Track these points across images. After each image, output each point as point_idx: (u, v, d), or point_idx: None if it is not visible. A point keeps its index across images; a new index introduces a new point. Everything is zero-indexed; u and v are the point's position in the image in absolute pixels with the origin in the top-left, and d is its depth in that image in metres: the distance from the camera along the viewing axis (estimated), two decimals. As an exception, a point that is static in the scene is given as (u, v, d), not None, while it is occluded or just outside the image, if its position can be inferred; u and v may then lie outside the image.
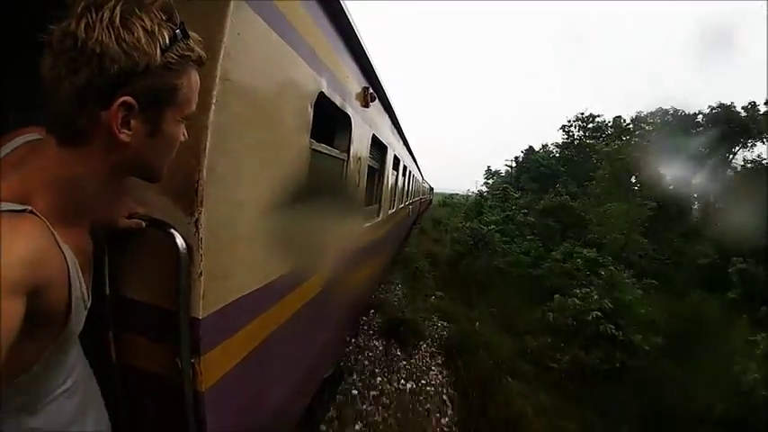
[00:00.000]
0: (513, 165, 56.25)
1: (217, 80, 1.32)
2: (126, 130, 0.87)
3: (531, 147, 55.25)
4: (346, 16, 2.52)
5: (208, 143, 1.32)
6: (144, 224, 1.30)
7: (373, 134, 4.26)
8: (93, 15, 0.78)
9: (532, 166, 50.35)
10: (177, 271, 1.31)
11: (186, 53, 0.90)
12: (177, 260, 1.30)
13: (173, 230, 1.30)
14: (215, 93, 1.32)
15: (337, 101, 2.69)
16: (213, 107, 1.32)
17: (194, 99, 0.99)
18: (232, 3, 1.38)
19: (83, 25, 0.78)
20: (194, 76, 0.96)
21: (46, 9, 1.63)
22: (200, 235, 1.35)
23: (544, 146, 53.27)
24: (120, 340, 1.46)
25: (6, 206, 0.80)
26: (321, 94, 2.29)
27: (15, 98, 1.91)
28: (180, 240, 1.30)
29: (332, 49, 2.52)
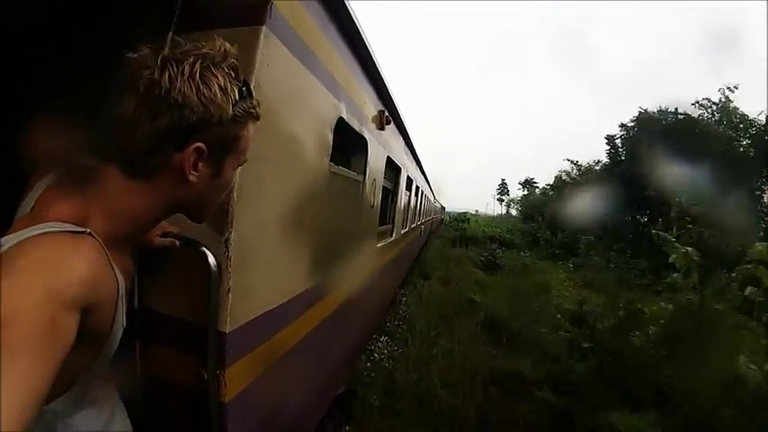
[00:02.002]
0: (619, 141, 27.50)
1: None
2: (194, 172, 0.95)
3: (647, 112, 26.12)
4: (363, 41, 2.63)
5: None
6: (178, 243, 1.37)
7: (388, 156, 4.36)
8: (175, 68, 0.87)
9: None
10: (208, 287, 1.38)
11: (251, 110, 1.00)
12: (208, 277, 1.38)
13: (204, 249, 1.38)
14: None
15: (355, 125, 2.79)
16: None
17: (249, 149, 1.08)
18: (262, 35, 1.47)
19: (166, 76, 0.86)
20: (252, 129, 1.05)
21: (49, 17, 1.74)
22: (230, 253, 1.43)
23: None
24: (147, 352, 1.53)
25: (68, 227, 0.87)
26: (340, 119, 2.38)
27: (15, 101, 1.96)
28: (212, 259, 1.37)
29: (350, 74, 2.63)
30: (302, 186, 2.03)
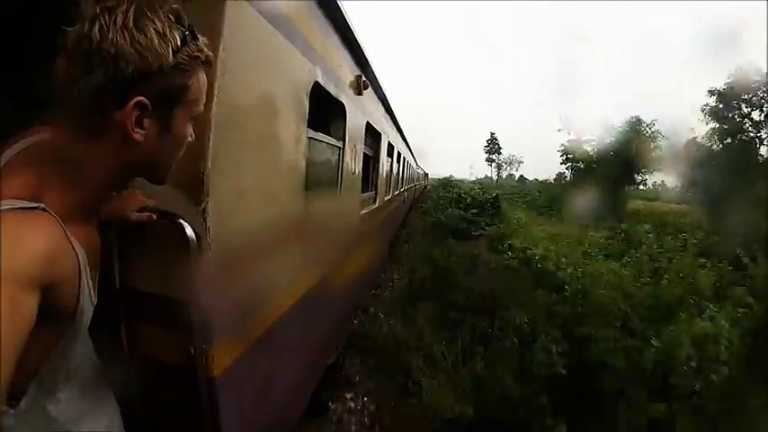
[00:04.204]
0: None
1: (217, 73, 1.35)
2: (139, 129, 0.89)
3: None
4: (337, 4, 2.55)
5: (212, 135, 1.36)
6: (155, 217, 1.32)
7: (367, 121, 4.30)
8: (107, 18, 0.80)
9: None
10: (188, 260, 1.35)
11: (196, 54, 0.92)
12: (188, 250, 1.34)
13: (181, 221, 1.34)
14: (216, 86, 1.35)
15: (332, 90, 2.72)
16: (215, 99, 1.35)
17: (202, 99, 1.01)
18: None
19: (96, 28, 0.80)
20: (202, 77, 0.98)
21: (44, 11, 1.67)
22: (208, 224, 1.39)
23: None
24: (133, 332, 1.50)
25: (19, 203, 0.82)
26: (316, 83, 2.32)
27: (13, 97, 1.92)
28: (189, 230, 1.33)
29: (325, 37, 2.55)
30: (279, 153, 1.99)
